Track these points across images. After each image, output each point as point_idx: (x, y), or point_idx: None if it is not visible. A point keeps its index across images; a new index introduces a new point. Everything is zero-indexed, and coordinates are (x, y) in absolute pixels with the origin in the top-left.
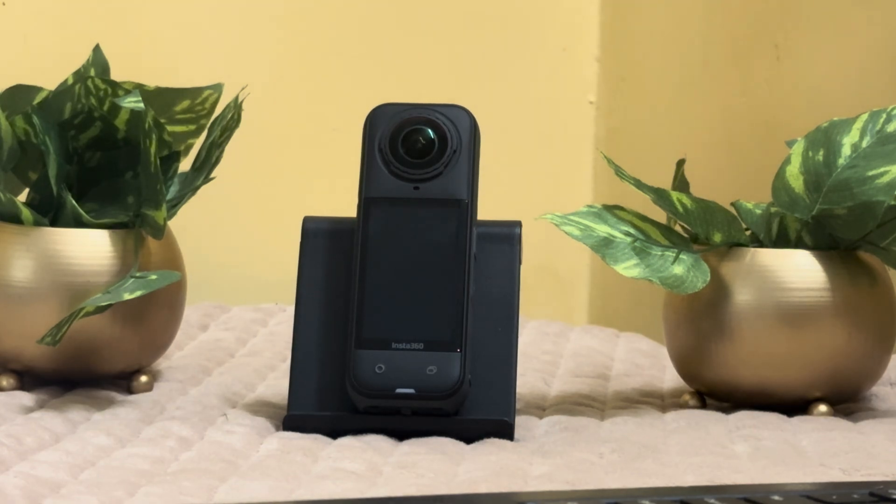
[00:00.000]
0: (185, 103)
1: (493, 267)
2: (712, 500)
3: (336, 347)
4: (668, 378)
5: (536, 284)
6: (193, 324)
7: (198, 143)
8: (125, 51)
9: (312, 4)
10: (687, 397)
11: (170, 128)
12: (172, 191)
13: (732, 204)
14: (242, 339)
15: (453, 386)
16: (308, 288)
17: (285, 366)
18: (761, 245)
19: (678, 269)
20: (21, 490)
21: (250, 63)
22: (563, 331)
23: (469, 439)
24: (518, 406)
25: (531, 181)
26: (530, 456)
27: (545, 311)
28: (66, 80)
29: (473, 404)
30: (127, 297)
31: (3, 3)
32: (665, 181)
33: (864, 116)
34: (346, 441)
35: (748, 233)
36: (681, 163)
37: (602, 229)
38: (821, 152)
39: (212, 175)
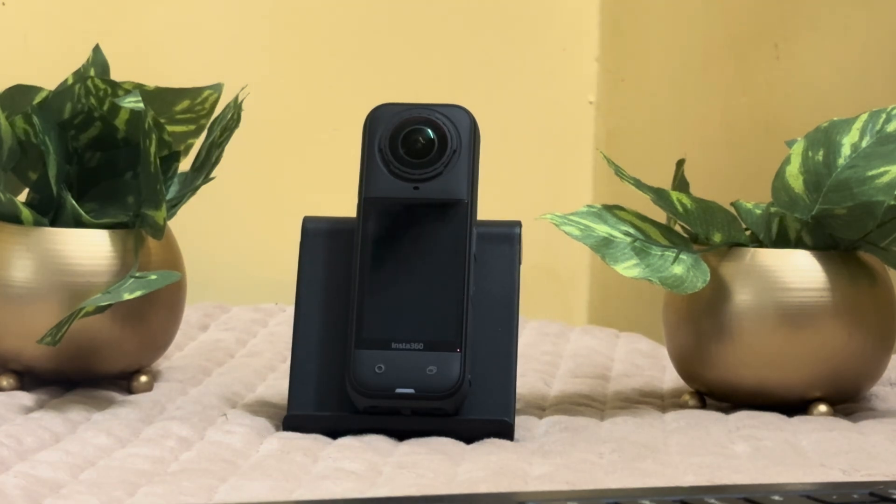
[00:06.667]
0: (185, 103)
1: (493, 267)
2: (712, 500)
3: (336, 347)
4: (668, 378)
5: (536, 284)
6: (193, 324)
7: (198, 143)
8: (125, 51)
9: (312, 4)
10: (687, 397)
11: (170, 128)
12: (172, 191)
13: (732, 204)
14: (242, 339)
15: (453, 386)
16: (308, 288)
17: (285, 366)
18: (761, 245)
19: (678, 269)
20: (21, 490)
21: (250, 63)
22: (563, 331)
23: (469, 439)
24: (518, 406)
25: (531, 181)
26: (530, 456)
27: (545, 311)
28: (66, 80)
29: (473, 404)
30: (127, 297)
31: (3, 3)
32: (665, 181)
33: (864, 116)
34: (346, 441)
35: (748, 233)
36: (681, 163)
37: (602, 229)
38: (821, 152)
39: (212, 175)
